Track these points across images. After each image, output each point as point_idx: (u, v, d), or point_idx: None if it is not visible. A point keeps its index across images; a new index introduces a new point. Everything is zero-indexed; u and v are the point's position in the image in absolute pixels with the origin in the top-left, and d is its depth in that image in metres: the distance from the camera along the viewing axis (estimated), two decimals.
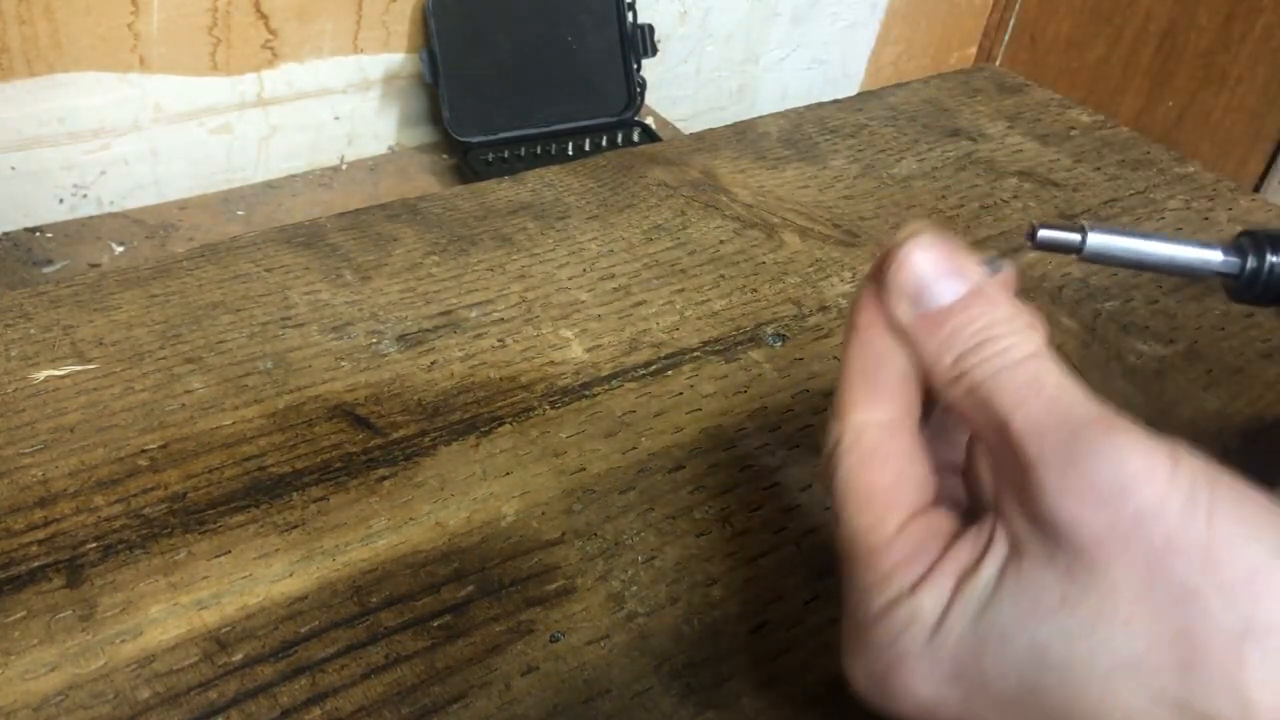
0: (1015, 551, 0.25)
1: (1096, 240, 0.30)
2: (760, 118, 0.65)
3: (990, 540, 0.25)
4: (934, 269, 0.27)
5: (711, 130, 0.64)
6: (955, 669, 0.25)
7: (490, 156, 0.92)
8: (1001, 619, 0.24)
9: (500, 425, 0.41)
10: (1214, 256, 0.31)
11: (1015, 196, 0.59)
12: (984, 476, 0.28)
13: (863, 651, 0.27)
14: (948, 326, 0.27)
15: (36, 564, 0.34)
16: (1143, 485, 0.23)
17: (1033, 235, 0.30)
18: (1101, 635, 0.23)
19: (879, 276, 0.28)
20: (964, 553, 0.26)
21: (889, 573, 0.26)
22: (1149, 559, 0.23)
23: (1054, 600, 0.24)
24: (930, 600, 0.25)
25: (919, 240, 0.27)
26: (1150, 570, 0.23)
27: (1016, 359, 0.25)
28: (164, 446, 0.39)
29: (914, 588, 0.26)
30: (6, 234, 0.80)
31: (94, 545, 0.35)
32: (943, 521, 0.27)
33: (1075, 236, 0.30)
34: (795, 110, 0.66)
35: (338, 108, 0.91)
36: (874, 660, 0.26)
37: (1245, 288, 0.31)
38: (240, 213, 0.86)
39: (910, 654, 0.25)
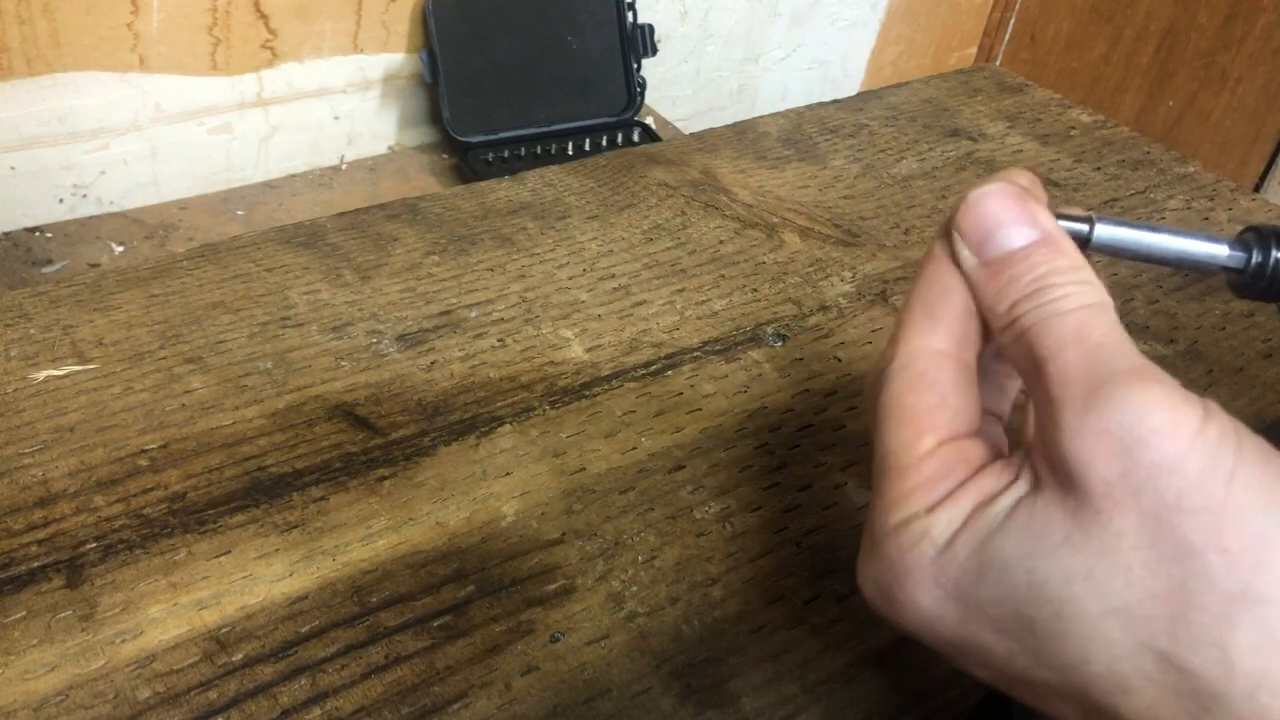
0: (1033, 489, 0.25)
1: (1104, 232, 0.30)
2: (760, 118, 0.65)
3: (1015, 476, 0.26)
4: (1003, 215, 0.28)
5: (711, 130, 0.64)
6: (956, 589, 0.26)
7: (490, 156, 0.92)
8: (1006, 549, 0.25)
9: (500, 425, 0.41)
10: (1220, 251, 0.31)
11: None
12: (1027, 427, 0.28)
13: (875, 562, 0.27)
14: (1008, 273, 0.27)
15: (36, 564, 0.34)
16: (1164, 440, 0.23)
17: None
18: (1098, 578, 0.24)
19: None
20: (987, 482, 0.26)
21: (911, 490, 0.27)
22: (1158, 513, 0.23)
23: (1058, 538, 0.24)
24: (944, 521, 0.26)
25: (992, 186, 0.28)
26: (1157, 524, 0.23)
27: (1067, 308, 0.26)
28: (164, 446, 0.39)
29: (931, 508, 0.26)
30: (6, 234, 0.80)
31: (94, 545, 0.35)
32: (974, 451, 0.27)
33: (1083, 227, 0.30)
34: (795, 110, 0.66)
35: (338, 108, 0.91)
36: (883, 571, 0.27)
37: (1250, 283, 0.31)
38: (240, 213, 0.86)
39: (916, 568, 0.26)
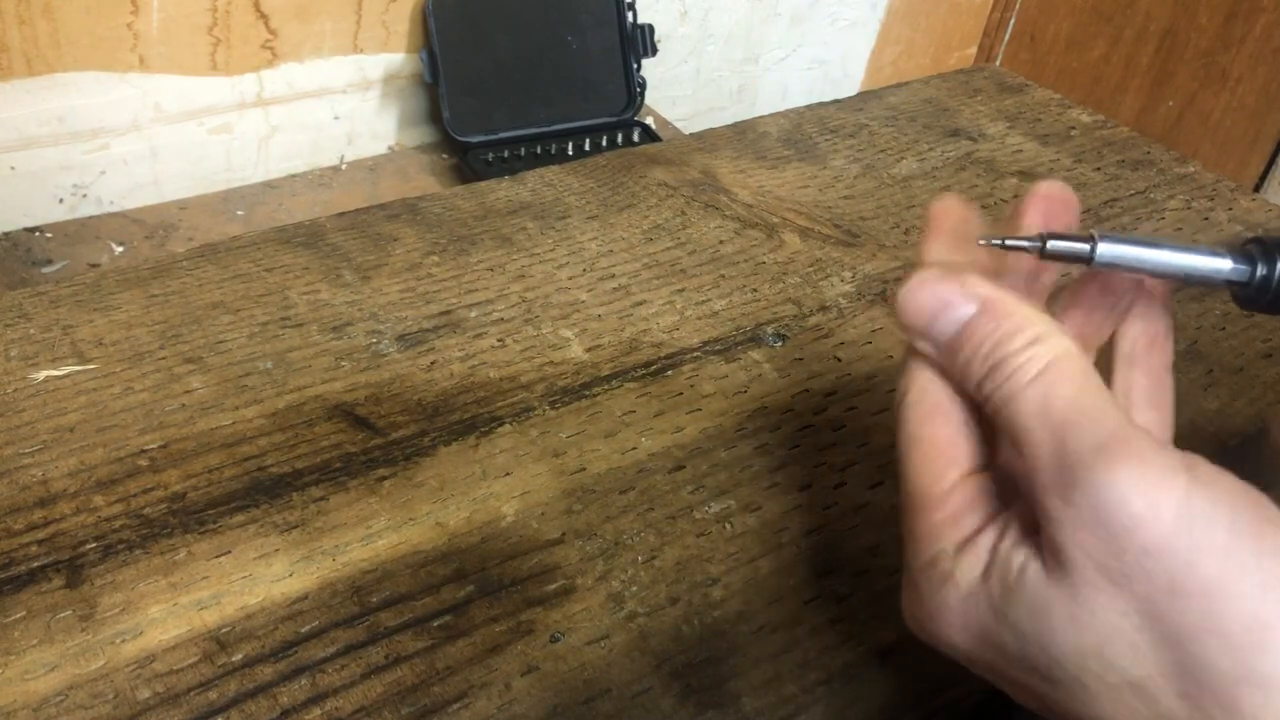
0: (1033, 557, 0.25)
1: (1106, 250, 0.29)
2: (760, 118, 0.65)
3: (1008, 533, 0.26)
4: (933, 302, 0.28)
5: (711, 130, 0.64)
6: (982, 636, 0.26)
7: (490, 156, 0.92)
8: (1020, 619, 0.25)
9: (500, 425, 0.41)
10: (1223, 265, 0.30)
11: (1015, 196, 0.59)
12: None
13: (911, 596, 0.28)
14: (961, 356, 0.27)
15: (36, 564, 0.34)
16: (1147, 526, 0.23)
17: (1042, 247, 0.30)
18: (1108, 656, 0.24)
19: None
20: (1005, 528, 0.27)
21: (939, 524, 0.27)
22: (1153, 598, 0.23)
23: (1064, 618, 0.24)
24: (967, 567, 0.27)
25: (915, 279, 0.28)
26: (1154, 608, 0.23)
27: (1025, 381, 0.26)
28: (164, 446, 0.39)
29: (958, 549, 0.27)
30: (6, 234, 0.80)
31: (94, 545, 0.35)
32: (994, 486, 0.28)
33: (1084, 247, 0.29)
34: (795, 110, 0.66)
35: (338, 108, 0.91)
36: (918, 604, 0.28)
37: (1255, 296, 0.31)
38: (240, 213, 0.86)
39: (945, 608, 0.27)
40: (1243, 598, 0.23)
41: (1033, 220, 0.31)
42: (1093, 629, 0.24)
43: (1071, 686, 0.25)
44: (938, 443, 0.28)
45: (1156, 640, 0.23)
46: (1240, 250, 0.30)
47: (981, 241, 0.30)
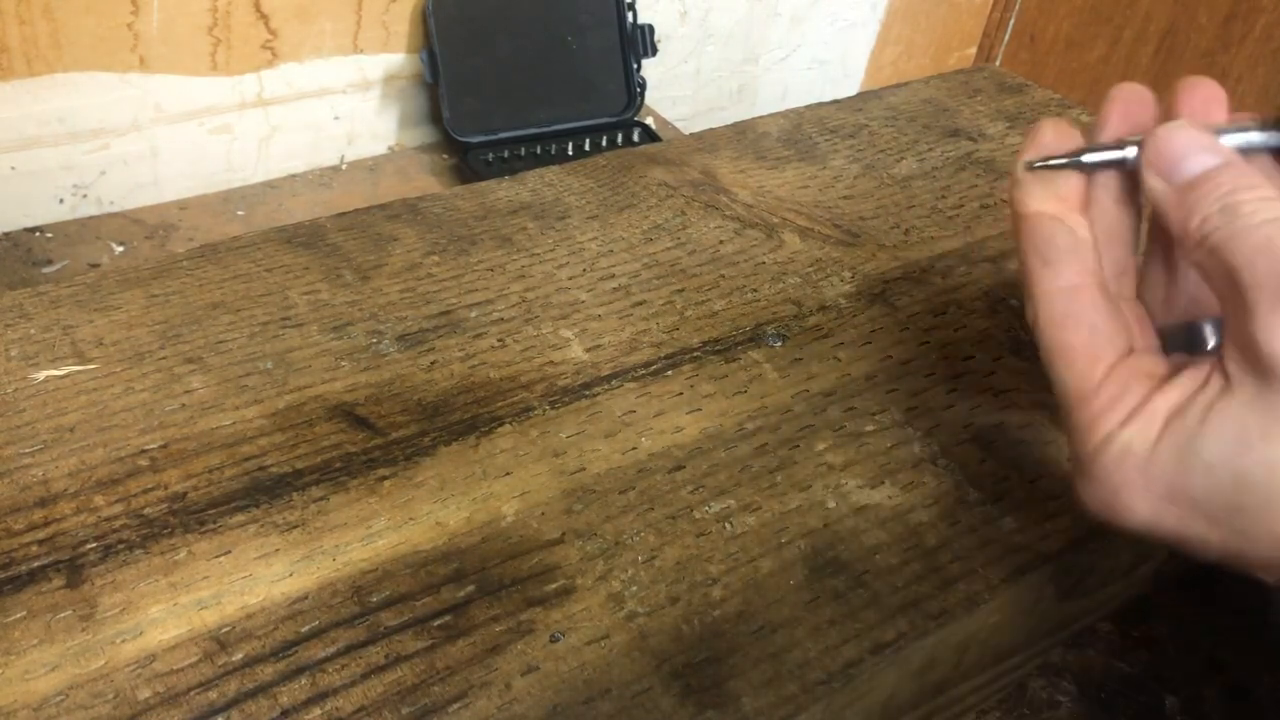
0: (1227, 390, 0.28)
1: (1134, 152, 0.33)
2: (760, 118, 0.65)
3: (1206, 381, 0.29)
4: (1190, 146, 0.31)
5: (711, 130, 0.64)
6: (1168, 493, 0.29)
7: (490, 156, 0.92)
8: (1209, 450, 0.28)
9: (500, 425, 0.41)
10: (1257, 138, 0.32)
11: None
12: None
13: (1089, 484, 0.31)
14: (1196, 194, 0.30)
15: (36, 564, 0.34)
16: None
17: (1080, 161, 0.33)
18: None
19: (1035, 150, 0.34)
20: (1174, 393, 0.30)
21: (1098, 414, 0.31)
22: None
23: (1258, 434, 0.27)
24: (1139, 433, 0.30)
25: (1178, 122, 0.32)
26: None
27: (1255, 222, 0.28)
28: (164, 446, 0.39)
29: (1122, 424, 0.30)
30: (6, 234, 0.80)
31: (94, 545, 0.35)
32: (1151, 364, 0.31)
33: (1119, 153, 0.33)
34: (795, 110, 0.66)
35: (338, 108, 0.91)
36: (1098, 489, 0.31)
37: None
38: (240, 213, 0.86)
39: (1127, 482, 0.30)
40: None
41: (1113, 125, 0.34)
42: None
43: (1257, 513, 0.28)
44: (1074, 345, 0.31)
45: None
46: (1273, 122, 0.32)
47: (1029, 167, 0.34)
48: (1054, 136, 0.34)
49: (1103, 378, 0.31)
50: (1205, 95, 0.34)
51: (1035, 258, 0.33)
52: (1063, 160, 0.33)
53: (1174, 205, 0.31)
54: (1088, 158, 0.33)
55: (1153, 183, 0.31)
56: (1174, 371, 0.31)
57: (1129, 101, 0.34)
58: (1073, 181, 0.33)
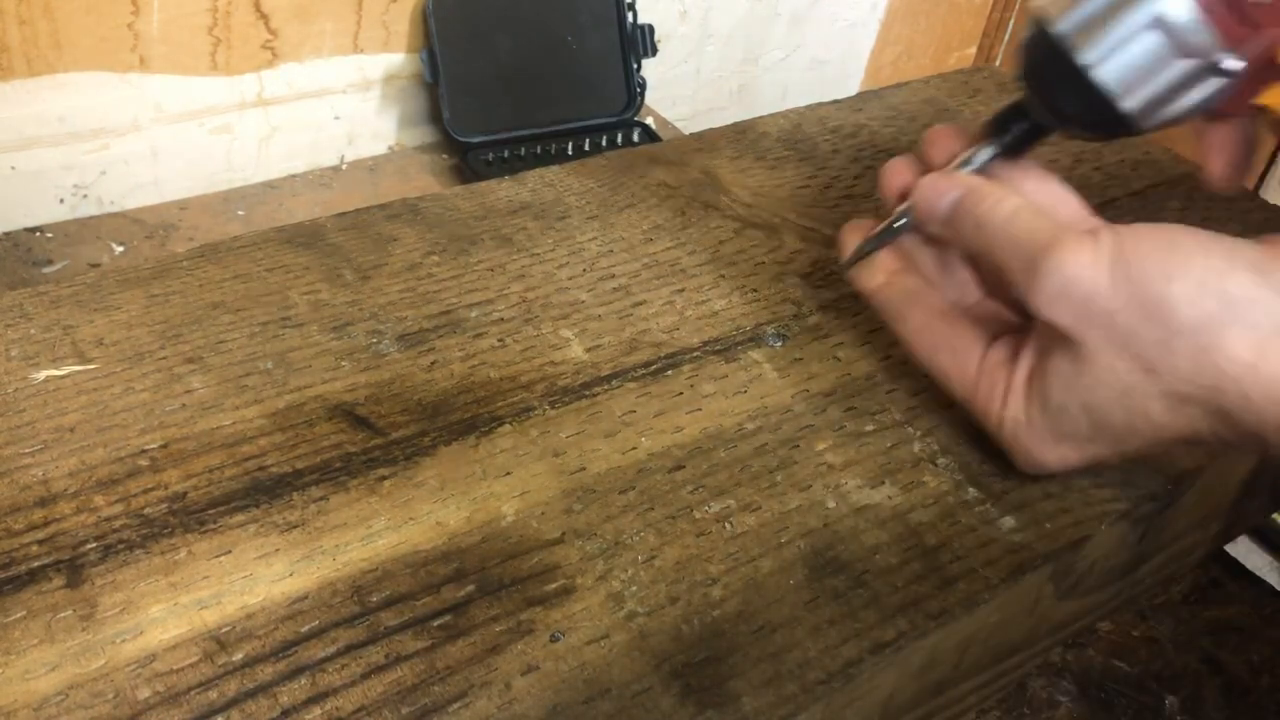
0: (1046, 350, 0.37)
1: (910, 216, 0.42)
2: (760, 118, 0.65)
3: (1035, 349, 0.38)
4: (934, 194, 0.40)
5: (711, 130, 0.64)
6: (1056, 437, 0.37)
7: (490, 156, 0.92)
8: (1058, 400, 0.37)
9: (500, 425, 0.41)
10: (989, 151, 0.42)
11: None
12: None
13: (1011, 454, 0.39)
14: (954, 223, 0.40)
15: (36, 564, 0.34)
16: (1081, 280, 0.35)
17: (875, 246, 0.43)
18: (1107, 382, 0.35)
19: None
20: (1022, 368, 0.38)
21: (985, 405, 0.39)
22: (1105, 324, 0.35)
23: (1075, 376, 0.36)
24: (1015, 407, 0.38)
25: (922, 180, 0.41)
26: (1109, 330, 0.35)
27: (997, 223, 0.38)
28: (164, 446, 0.39)
29: (1002, 405, 0.39)
30: (7, 234, 0.80)
31: (94, 545, 0.35)
32: (1002, 352, 0.39)
33: (898, 223, 0.42)
34: (795, 110, 0.66)
35: (338, 108, 0.91)
36: (1018, 456, 0.39)
37: (1029, 136, 0.41)
38: (240, 213, 0.86)
39: (1030, 443, 0.38)
40: (1151, 287, 0.34)
41: (891, 201, 0.43)
42: (1091, 372, 0.35)
43: (1108, 419, 0.36)
44: (948, 366, 0.41)
45: (1120, 351, 0.34)
46: (1003, 124, 0.41)
47: (848, 268, 0.44)
48: (852, 234, 0.44)
49: (976, 377, 0.39)
50: (944, 143, 0.42)
51: (888, 318, 0.43)
52: (868, 248, 0.43)
53: (949, 237, 0.40)
54: (880, 239, 0.42)
55: (929, 229, 0.41)
56: (1017, 350, 0.39)
57: (896, 174, 0.43)
58: (883, 255, 0.43)
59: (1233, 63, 0.36)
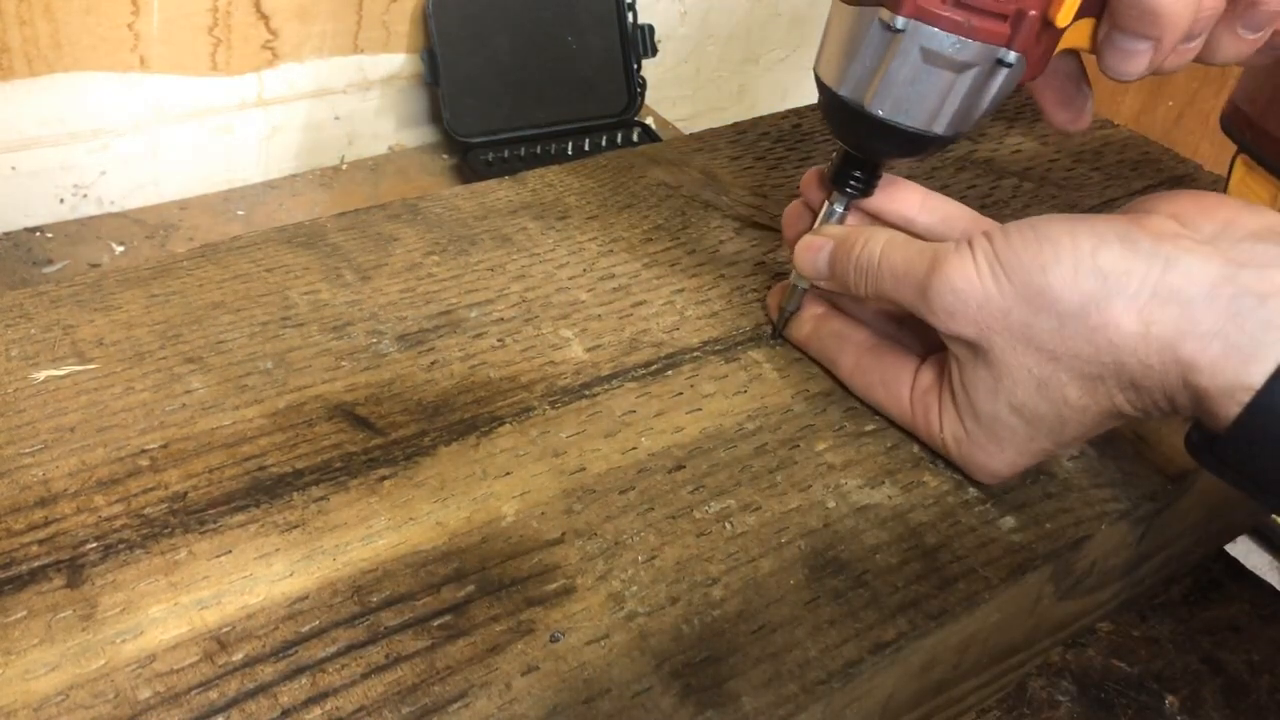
0: (963, 366, 0.39)
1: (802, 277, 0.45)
2: (760, 118, 0.65)
3: (956, 368, 0.39)
4: (808, 257, 0.43)
5: (711, 130, 0.64)
6: (997, 444, 0.39)
7: (490, 156, 0.92)
8: (987, 409, 0.38)
9: (500, 425, 0.41)
10: (840, 205, 0.44)
11: (1015, 196, 0.59)
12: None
13: (965, 469, 0.41)
14: (836, 276, 0.42)
15: (37, 564, 0.34)
16: (970, 290, 0.37)
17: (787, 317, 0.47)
18: (1022, 380, 0.37)
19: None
20: (948, 387, 0.40)
21: (925, 428, 0.41)
22: (1002, 325, 0.36)
23: (994, 381, 0.38)
24: (952, 425, 0.40)
25: (801, 242, 0.44)
26: (1007, 330, 0.36)
27: (874, 263, 0.40)
28: (164, 446, 0.39)
29: (940, 426, 0.40)
30: (7, 234, 0.80)
31: (94, 545, 0.35)
32: (929, 375, 0.41)
33: (799, 287, 0.46)
34: (795, 110, 0.66)
35: (338, 108, 0.91)
36: (971, 470, 0.40)
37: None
38: (240, 213, 0.86)
39: (976, 456, 0.40)
40: (1030, 281, 0.35)
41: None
42: (1005, 375, 0.37)
43: (1036, 415, 0.37)
44: (883, 398, 0.43)
45: (1023, 348, 0.36)
46: (839, 184, 0.43)
47: (773, 339, 0.47)
48: (775, 298, 0.47)
49: (910, 405, 0.42)
50: (816, 190, 0.44)
51: (824, 362, 0.45)
52: (788, 311, 0.46)
53: (839, 288, 0.42)
54: (793, 302, 0.45)
55: (819, 286, 0.44)
56: (938, 376, 0.41)
57: (790, 225, 0.46)
58: (806, 305, 0.46)
59: (1009, 54, 0.37)
